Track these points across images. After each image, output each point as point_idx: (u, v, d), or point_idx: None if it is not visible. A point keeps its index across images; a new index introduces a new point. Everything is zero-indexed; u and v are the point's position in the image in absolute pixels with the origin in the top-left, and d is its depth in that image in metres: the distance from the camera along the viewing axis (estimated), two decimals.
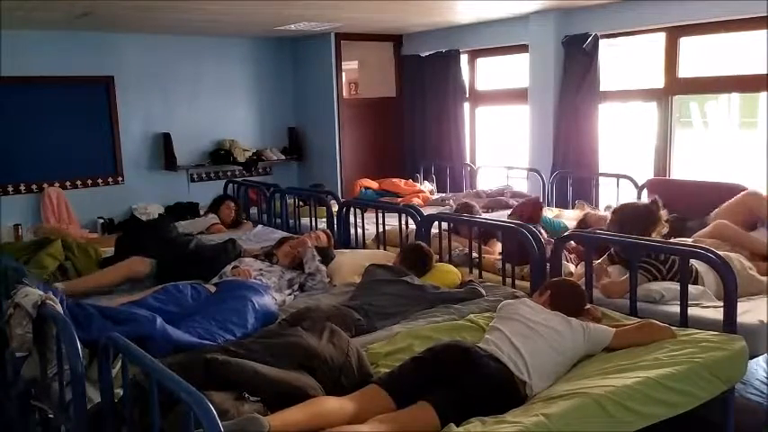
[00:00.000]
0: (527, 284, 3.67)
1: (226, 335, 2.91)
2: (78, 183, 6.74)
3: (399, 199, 6.51)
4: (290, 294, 3.70)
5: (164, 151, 7.09)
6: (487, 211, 5.65)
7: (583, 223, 4.59)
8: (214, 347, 2.53)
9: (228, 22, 6.33)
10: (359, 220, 4.91)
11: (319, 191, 6.05)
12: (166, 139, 7.05)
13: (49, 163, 6.50)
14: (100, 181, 6.86)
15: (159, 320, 2.77)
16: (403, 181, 7.07)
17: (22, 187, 6.43)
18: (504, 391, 2.34)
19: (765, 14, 4.77)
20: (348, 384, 2.39)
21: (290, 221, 5.76)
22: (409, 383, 2.32)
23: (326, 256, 4.10)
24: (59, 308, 2.49)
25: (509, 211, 5.41)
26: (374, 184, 7.02)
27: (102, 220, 6.71)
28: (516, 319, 2.67)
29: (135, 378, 2.10)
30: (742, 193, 4.23)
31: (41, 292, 2.50)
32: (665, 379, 2.39)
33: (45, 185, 6.49)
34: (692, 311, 3.02)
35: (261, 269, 3.80)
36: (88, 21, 5.67)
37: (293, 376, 2.29)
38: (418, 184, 7.12)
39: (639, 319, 2.99)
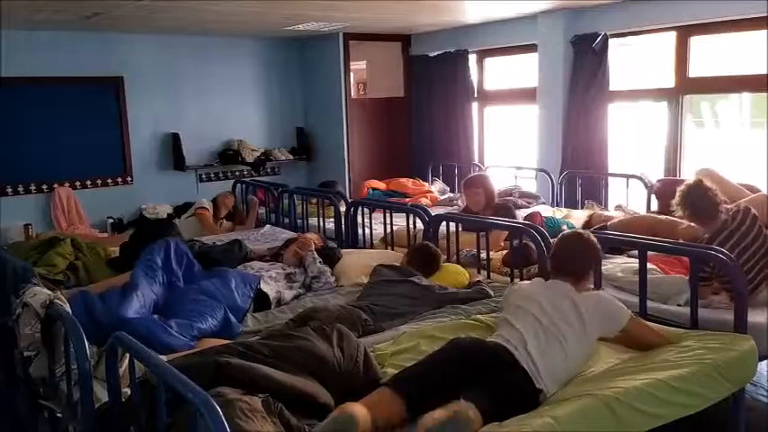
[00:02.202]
0: None
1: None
2: (88, 182, 6.77)
3: (407, 199, 6.50)
4: (289, 289, 3.70)
5: (173, 151, 7.11)
6: None
7: (588, 224, 4.57)
8: (221, 348, 2.51)
9: (237, 23, 6.34)
10: (366, 221, 4.91)
11: (328, 191, 6.04)
12: (175, 139, 7.08)
13: (59, 163, 6.54)
14: (109, 181, 6.89)
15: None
16: (411, 181, 7.06)
17: (33, 187, 6.46)
18: (525, 398, 2.29)
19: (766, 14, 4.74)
20: (355, 389, 2.37)
21: (299, 221, 5.76)
22: (429, 384, 2.24)
23: (333, 257, 4.10)
24: (68, 307, 2.50)
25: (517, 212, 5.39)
26: (381, 185, 7.02)
27: (111, 220, 6.74)
28: (529, 311, 2.56)
29: (143, 377, 2.10)
30: (760, 193, 4.21)
31: (49, 292, 2.51)
32: (674, 380, 2.37)
33: (55, 185, 6.53)
34: (701, 312, 3.00)
35: (262, 267, 3.83)
36: (98, 21, 5.70)
37: (302, 382, 2.28)
38: (427, 184, 7.10)
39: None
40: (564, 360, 2.46)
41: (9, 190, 6.33)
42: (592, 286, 2.89)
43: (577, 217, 5.26)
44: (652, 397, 2.30)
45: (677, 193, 3.45)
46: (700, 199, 3.37)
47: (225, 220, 6.13)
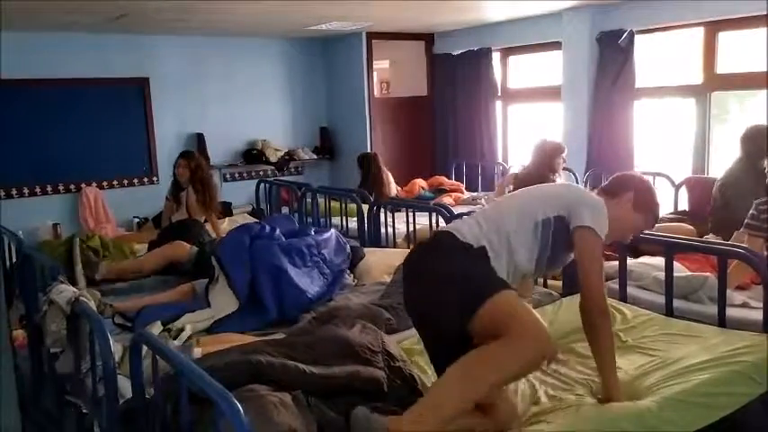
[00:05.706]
0: (559, 284, 3.62)
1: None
2: (115, 183, 6.86)
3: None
4: None
5: (197, 151, 7.14)
6: None
7: None
8: (255, 347, 2.46)
9: (260, 23, 6.38)
10: (389, 220, 4.90)
11: (351, 190, 6.04)
12: (200, 139, 7.14)
13: (87, 163, 6.63)
14: (136, 181, 6.97)
15: None
16: (449, 182, 7.11)
17: (61, 187, 6.56)
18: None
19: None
20: (392, 371, 2.37)
21: (321, 220, 5.77)
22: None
23: (355, 256, 4.09)
24: (92, 304, 2.53)
25: None
26: (424, 184, 7.07)
27: (137, 219, 6.81)
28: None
29: (167, 374, 2.11)
30: None
31: (75, 290, 2.54)
32: (705, 385, 2.32)
33: (82, 185, 6.62)
34: (729, 312, 2.94)
35: None
36: (124, 23, 5.77)
37: (340, 369, 2.28)
38: (463, 186, 7.09)
39: None
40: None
41: (38, 190, 6.43)
42: None
43: None
44: (683, 405, 2.24)
45: None
46: None
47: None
